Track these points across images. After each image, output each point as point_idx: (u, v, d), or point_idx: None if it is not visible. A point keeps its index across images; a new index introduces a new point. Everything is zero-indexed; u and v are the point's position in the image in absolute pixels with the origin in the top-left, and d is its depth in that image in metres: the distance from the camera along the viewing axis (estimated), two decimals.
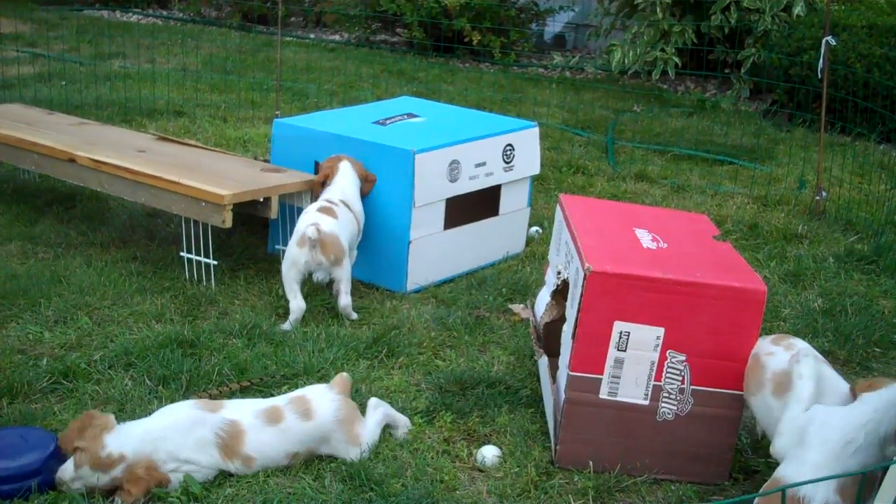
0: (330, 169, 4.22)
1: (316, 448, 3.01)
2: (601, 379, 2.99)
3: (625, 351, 2.96)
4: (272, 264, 4.38)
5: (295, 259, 3.90)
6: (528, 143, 4.74)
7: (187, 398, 3.17)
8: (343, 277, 3.96)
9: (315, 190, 4.25)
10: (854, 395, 2.67)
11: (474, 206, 4.53)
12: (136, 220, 5.03)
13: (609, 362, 2.98)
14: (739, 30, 8.33)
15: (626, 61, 8.69)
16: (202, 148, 5.00)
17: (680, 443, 3.04)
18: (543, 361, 3.42)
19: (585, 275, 2.91)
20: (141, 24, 11.27)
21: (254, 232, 4.73)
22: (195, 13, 11.84)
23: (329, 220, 3.95)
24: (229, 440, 2.89)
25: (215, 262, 4.20)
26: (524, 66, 9.92)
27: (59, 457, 2.83)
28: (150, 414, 2.99)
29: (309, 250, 3.87)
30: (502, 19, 9.86)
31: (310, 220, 3.94)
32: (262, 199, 4.17)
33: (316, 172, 4.36)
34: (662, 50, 8.48)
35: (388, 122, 4.65)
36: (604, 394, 3.01)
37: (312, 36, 11.13)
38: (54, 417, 3.17)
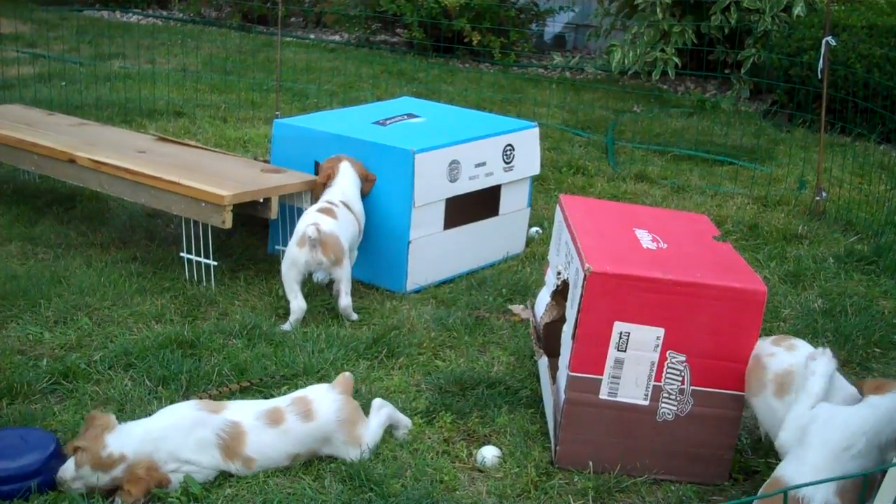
0: (331, 169, 4.22)
1: (318, 448, 3.01)
2: (601, 379, 2.99)
3: (625, 351, 2.96)
4: (272, 265, 4.38)
5: (295, 259, 3.90)
6: (528, 144, 4.74)
7: (187, 399, 3.17)
8: (343, 278, 3.96)
9: (317, 190, 4.25)
10: (862, 393, 2.67)
11: (474, 207, 4.53)
12: (136, 220, 5.03)
13: (609, 363, 2.98)
14: (739, 30, 8.33)
15: (626, 62, 8.69)
16: (202, 148, 5.00)
17: (680, 443, 3.04)
18: (543, 362, 3.42)
19: (585, 275, 2.91)
20: (141, 25, 11.27)
21: (254, 232, 4.73)
22: (195, 13, 11.84)
23: (329, 221, 3.95)
24: (230, 441, 2.89)
25: (215, 263, 4.20)
26: (524, 67, 9.92)
27: (59, 457, 2.83)
28: (150, 414, 2.99)
29: (309, 250, 3.87)
30: (502, 20, 9.86)
31: (310, 220, 3.94)
32: (262, 200, 4.17)
33: (316, 173, 4.36)
34: (662, 50, 8.48)
35: (388, 122, 4.65)
36: (604, 394, 3.01)
37: (312, 36, 11.13)
38: (54, 418, 3.17)
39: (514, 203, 4.75)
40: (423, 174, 4.22)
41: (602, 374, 2.99)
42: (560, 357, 3.22)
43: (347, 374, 3.18)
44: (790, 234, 5.20)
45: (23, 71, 7.92)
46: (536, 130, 4.82)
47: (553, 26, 10.92)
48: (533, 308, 3.82)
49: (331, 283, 4.04)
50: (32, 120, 5.18)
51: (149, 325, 3.84)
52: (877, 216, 5.37)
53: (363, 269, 4.31)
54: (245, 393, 3.36)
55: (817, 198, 5.55)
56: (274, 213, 4.21)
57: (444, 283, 4.43)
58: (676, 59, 8.42)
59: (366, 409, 3.14)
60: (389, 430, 3.15)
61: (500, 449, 3.12)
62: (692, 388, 2.99)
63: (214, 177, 4.25)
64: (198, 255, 4.20)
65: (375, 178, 4.27)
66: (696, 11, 8.56)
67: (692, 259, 3.14)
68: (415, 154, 4.18)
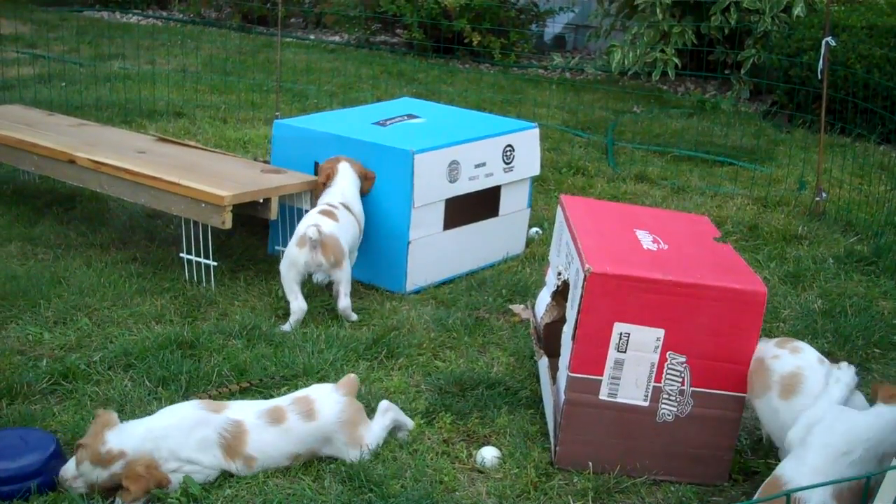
0: (330, 170, 4.22)
1: (318, 449, 3.01)
2: (601, 380, 2.99)
3: (625, 352, 2.96)
4: (272, 265, 4.38)
5: (294, 259, 3.90)
6: (528, 144, 4.74)
7: (187, 399, 3.16)
8: (343, 279, 3.95)
9: (316, 191, 4.25)
10: (875, 397, 2.67)
11: (474, 207, 4.53)
12: (136, 221, 5.03)
13: (609, 363, 2.98)
14: (739, 31, 8.33)
15: (625, 62, 8.69)
16: (202, 149, 5.00)
17: (680, 444, 3.04)
18: (543, 362, 3.42)
19: (585, 276, 2.91)
20: (141, 26, 11.27)
21: (254, 233, 4.73)
22: (195, 14, 11.85)
23: (330, 223, 3.95)
24: (232, 440, 2.89)
25: (215, 264, 4.20)
26: (524, 67, 9.92)
27: (58, 457, 2.83)
28: (151, 414, 2.99)
29: (309, 251, 3.87)
30: (502, 20, 9.86)
31: (311, 221, 3.94)
32: (261, 201, 4.17)
33: (316, 173, 4.36)
34: (662, 51, 8.49)
35: (387, 122, 4.65)
36: (604, 395, 3.01)
37: (312, 37, 11.13)
38: (54, 418, 3.17)
39: (514, 204, 4.75)
40: (423, 175, 4.22)
41: (602, 375, 2.99)
42: (560, 358, 3.22)
43: (352, 375, 3.17)
44: (790, 234, 5.20)
45: (23, 71, 7.92)
46: (536, 131, 4.82)
47: (553, 27, 10.92)
48: (533, 308, 3.82)
49: (330, 284, 4.04)
50: (32, 120, 5.18)
51: (149, 325, 3.84)
52: (876, 217, 5.37)
53: (363, 270, 4.31)
54: (245, 394, 3.36)
55: (817, 198, 5.55)
56: (274, 213, 4.21)
57: (443, 283, 4.43)
58: (676, 60, 8.42)
59: (369, 410, 3.14)
60: (392, 432, 3.15)
61: (500, 449, 3.12)
62: (692, 389, 2.99)
63: (214, 177, 4.25)
64: (198, 255, 4.20)
65: (375, 176, 4.27)
66: (696, 12, 8.57)
67: (692, 260, 3.14)
68: (414, 154, 4.18)
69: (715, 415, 3.02)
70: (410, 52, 10.04)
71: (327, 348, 3.67)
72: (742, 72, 8.39)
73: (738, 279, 3.00)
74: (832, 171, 5.98)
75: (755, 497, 2.72)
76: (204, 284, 4.21)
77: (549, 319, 3.50)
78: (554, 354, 3.34)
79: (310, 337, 3.77)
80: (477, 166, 4.47)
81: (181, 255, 4.25)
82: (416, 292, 4.32)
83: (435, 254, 4.38)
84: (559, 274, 3.38)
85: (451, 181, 4.35)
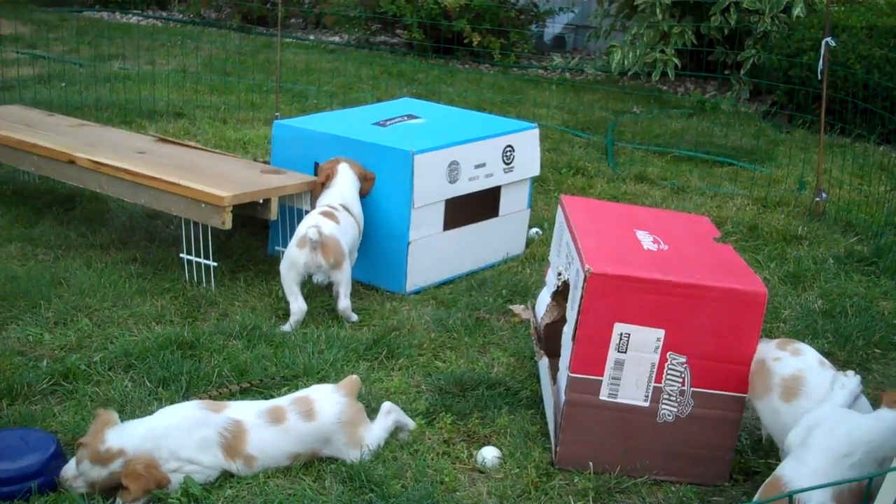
0: (329, 171, 4.22)
1: (319, 449, 3.01)
2: (601, 380, 2.99)
3: (625, 352, 2.96)
4: (272, 266, 4.38)
5: (294, 260, 3.90)
6: (528, 145, 4.74)
7: (187, 400, 3.16)
8: (342, 281, 3.95)
9: (316, 192, 4.25)
10: (880, 402, 2.67)
11: (474, 208, 4.53)
12: (136, 221, 5.03)
13: (609, 364, 2.98)
14: (739, 31, 8.33)
15: (625, 62, 8.69)
16: (202, 149, 5.00)
17: (680, 444, 3.04)
18: (544, 363, 3.42)
19: (586, 276, 2.91)
20: (140, 26, 11.27)
21: (254, 233, 4.73)
22: (195, 15, 11.84)
23: (331, 224, 3.96)
24: (232, 440, 2.89)
25: (215, 264, 4.20)
26: (524, 68, 9.92)
27: (59, 458, 2.83)
28: (151, 414, 2.99)
29: (309, 252, 3.87)
30: (502, 21, 9.86)
31: (311, 222, 3.94)
32: (261, 201, 4.17)
33: (316, 174, 4.36)
34: (662, 51, 8.49)
35: (387, 123, 4.65)
36: (604, 395, 3.01)
37: (312, 37, 11.13)
38: (54, 419, 3.17)
39: (514, 204, 4.75)
40: (423, 175, 4.22)
41: (602, 376, 2.99)
42: (560, 358, 3.22)
43: (354, 376, 3.17)
44: (790, 235, 5.20)
45: (23, 72, 7.92)
46: (536, 131, 4.82)
47: (553, 27, 10.92)
48: (533, 309, 3.82)
49: (330, 285, 4.04)
50: (32, 121, 5.18)
51: (149, 326, 3.84)
52: (877, 217, 5.37)
53: (363, 270, 4.31)
54: (245, 394, 3.36)
55: (817, 199, 5.55)
56: (274, 214, 4.21)
57: (443, 284, 4.43)
58: (676, 60, 8.42)
59: (370, 411, 3.14)
60: (393, 433, 3.15)
61: (501, 450, 3.12)
62: (692, 389, 2.99)
63: (214, 178, 4.25)
64: (198, 256, 4.20)
65: (374, 177, 4.27)
66: (696, 12, 8.57)
67: (693, 260, 3.14)
68: (414, 155, 4.18)
69: (715, 415, 3.02)
70: (410, 53, 10.04)
71: (327, 349, 3.67)
72: (742, 72, 8.40)
73: (739, 280, 3.00)
74: (832, 171, 5.98)
75: (755, 497, 2.72)
76: (204, 285, 4.21)
77: (550, 320, 3.50)
78: (554, 355, 3.34)
79: (310, 337, 3.77)
80: (477, 167, 4.47)
81: (181, 255, 4.25)
82: (417, 293, 4.33)
83: (435, 254, 4.38)
84: (559, 274, 3.38)
85: (450, 182, 4.35)
